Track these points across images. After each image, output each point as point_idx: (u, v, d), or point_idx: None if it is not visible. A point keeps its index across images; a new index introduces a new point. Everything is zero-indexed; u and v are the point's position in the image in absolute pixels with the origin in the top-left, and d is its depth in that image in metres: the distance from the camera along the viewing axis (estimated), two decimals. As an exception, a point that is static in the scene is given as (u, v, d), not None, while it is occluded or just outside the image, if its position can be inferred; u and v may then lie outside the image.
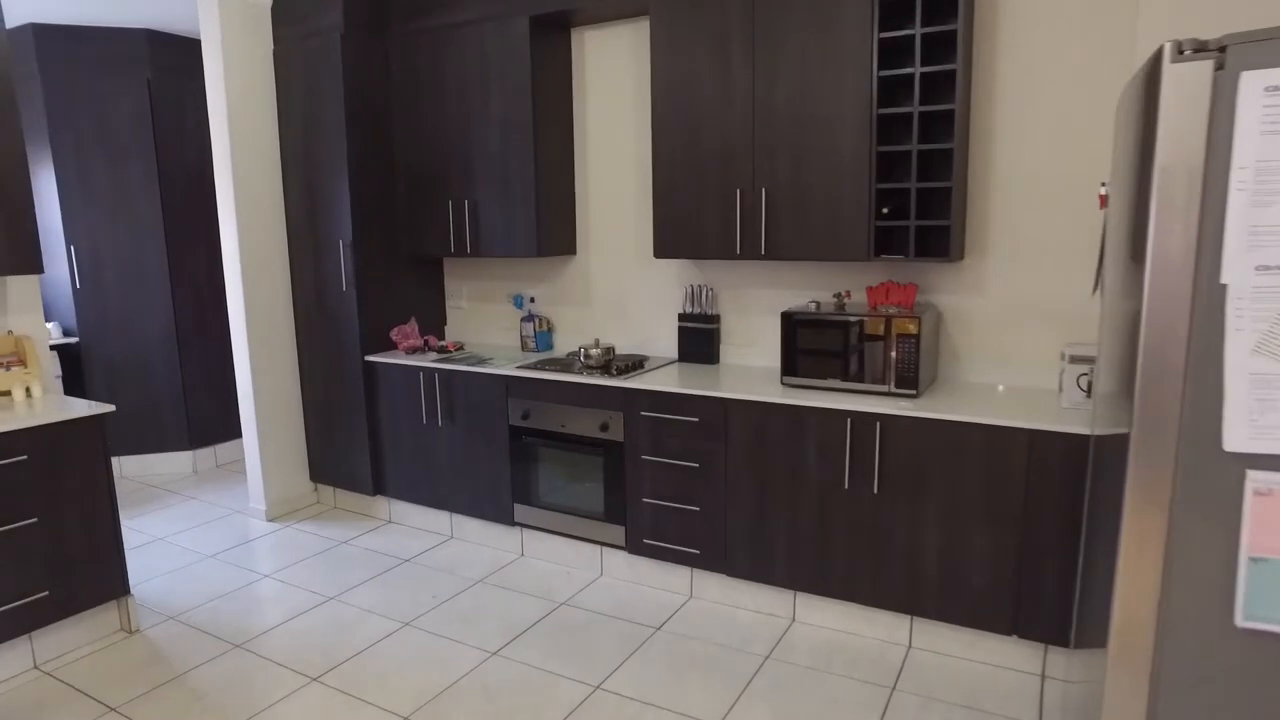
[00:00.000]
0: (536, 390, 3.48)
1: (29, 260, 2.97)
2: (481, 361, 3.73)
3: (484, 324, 4.33)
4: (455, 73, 3.72)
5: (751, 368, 3.48)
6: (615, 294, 3.86)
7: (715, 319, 3.55)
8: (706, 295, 3.58)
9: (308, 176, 3.98)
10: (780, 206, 3.05)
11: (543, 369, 3.50)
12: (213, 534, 4.04)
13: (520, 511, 3.63)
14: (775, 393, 2.96)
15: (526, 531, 3.69)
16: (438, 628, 3.08)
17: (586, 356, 3.46)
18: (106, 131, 4.62)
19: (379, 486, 4.11)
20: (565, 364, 3.58)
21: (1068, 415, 2.55)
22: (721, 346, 3.60)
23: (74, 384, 4.90)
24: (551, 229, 3.72)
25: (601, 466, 3.36)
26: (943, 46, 2.76)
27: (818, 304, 3.06)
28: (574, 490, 3.46)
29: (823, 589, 2.94)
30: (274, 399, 4.15)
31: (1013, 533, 2.58)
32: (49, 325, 4.73)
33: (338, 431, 4.17)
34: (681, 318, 3.61)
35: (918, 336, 2.79)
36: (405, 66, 3.89)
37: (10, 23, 4.52)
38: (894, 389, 2.85)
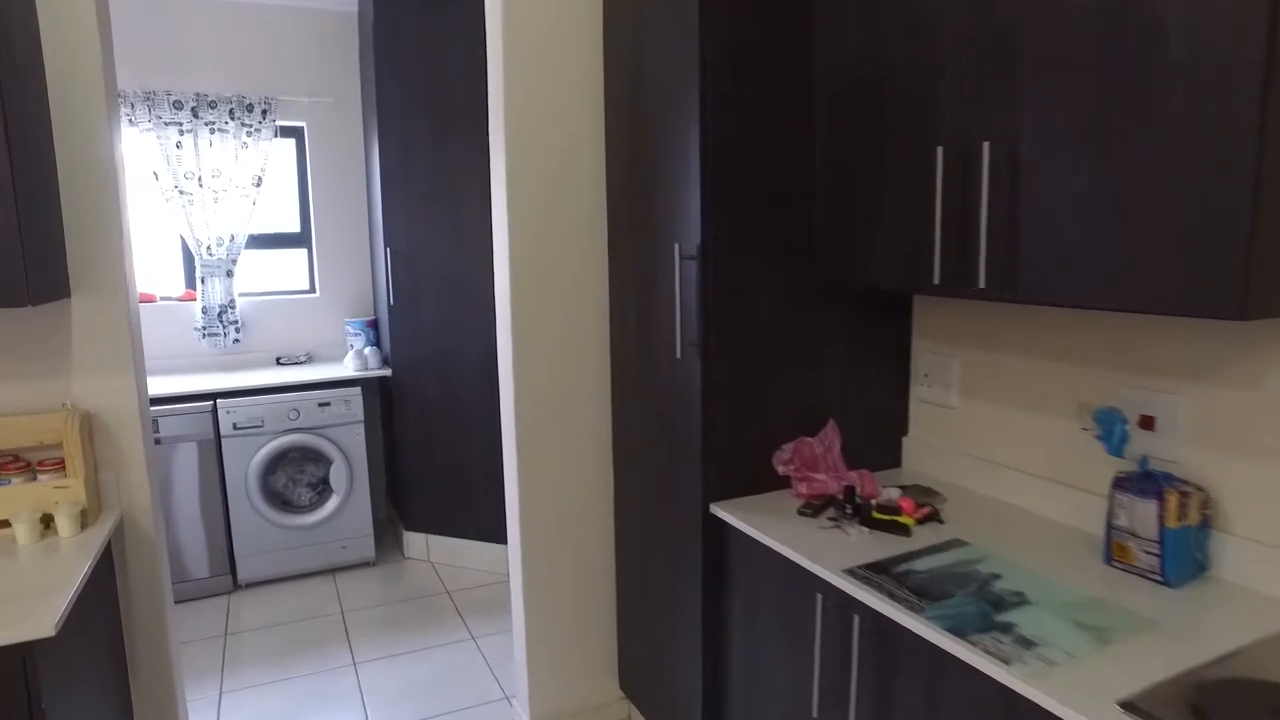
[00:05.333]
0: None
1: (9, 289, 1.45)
2: (984, 588, 1.29)
3: (1010, 453, 1.85)
4: None
5: None
6: None
7: None
8: None
9: (634, 122, 1.97)
10: None
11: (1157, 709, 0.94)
12: (443, 754, 2.31)
13: None
14: None
15: None
16: None
17: None
18: (431, 93, 3.25)
19: (714, 771, 1.94)
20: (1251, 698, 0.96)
21: None
22: None
23: (386, 430, 3.72)
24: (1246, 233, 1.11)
25: None
26: None
27: None
28: None
29: None
30: (562, 535, 2.26)
31: None
32: (366, 351, 3.57)
33: (658, 626, 2.11)
34: None
35: None
36: None
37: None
38: None
